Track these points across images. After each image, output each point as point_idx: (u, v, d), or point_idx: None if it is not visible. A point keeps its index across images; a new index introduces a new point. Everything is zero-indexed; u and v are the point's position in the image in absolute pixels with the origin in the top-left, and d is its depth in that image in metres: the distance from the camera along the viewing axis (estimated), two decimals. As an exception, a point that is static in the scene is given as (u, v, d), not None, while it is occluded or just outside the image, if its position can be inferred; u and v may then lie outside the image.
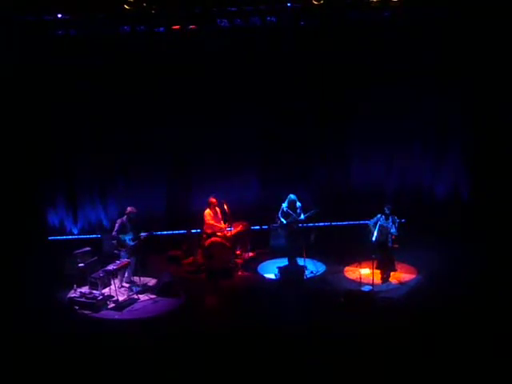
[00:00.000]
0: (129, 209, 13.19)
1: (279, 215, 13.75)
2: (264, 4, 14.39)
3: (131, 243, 13.01)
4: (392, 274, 13.15)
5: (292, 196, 13.69)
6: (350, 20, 14.85)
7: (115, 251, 13.16)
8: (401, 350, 10.11)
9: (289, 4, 14.38)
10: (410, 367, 9.65)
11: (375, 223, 12.94)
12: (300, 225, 13.73)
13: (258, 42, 15.17)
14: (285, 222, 13.69)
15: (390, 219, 12.92)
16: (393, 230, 12.84)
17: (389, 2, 13.94)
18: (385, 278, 13.03)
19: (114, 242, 13.09)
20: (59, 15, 14.18)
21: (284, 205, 13.69)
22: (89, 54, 14.90)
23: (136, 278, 13.17)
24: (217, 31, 14.74)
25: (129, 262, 13.00)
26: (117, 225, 13.08)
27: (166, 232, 15.99)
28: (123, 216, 13.19)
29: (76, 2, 13.76)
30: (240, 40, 15.08)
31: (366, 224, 13.14)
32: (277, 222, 13.88)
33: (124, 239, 12.97)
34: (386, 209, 12.97)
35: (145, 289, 12.96)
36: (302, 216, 13.62)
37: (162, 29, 14.65)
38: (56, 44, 14.71)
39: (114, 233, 13.06)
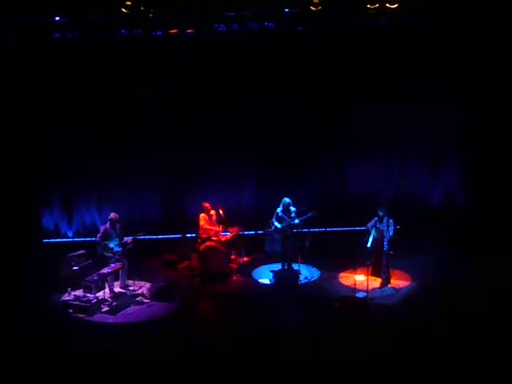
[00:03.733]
0: (111, 215, 13.04)
1: (273, 220, 13.73)
2: (262, 9, 14.43)
3: (118, 249, 12.92)
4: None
5: (286, 199, 13.66)
6: (347, 26, 14.90)
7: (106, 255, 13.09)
8: (394, 357, 10.12)
9: (286, 9, 14.41)
10: (403, 374, 9.65)
11: (372, 226, 12.93)
12: (294, 230, 13.73)
13: (255, 47, 15.20)
14: (279, 226, 13.67)
15: (385, 221, 12.89)
16: (390, 234, 12.79)
17: (386, 9, 13.97)
18: (383, 283, 13.01)
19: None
20: (57, 18, 14.20)
21: (278, 209, 13.67)
22: (86, 57, 14.95)
23: (130, 282, 13.14)
24: (214, 36, 14.77)
25: (123, 266, 12.96)
26: (100, 231, 12.99)
27: (161, 236, 15.95)
28: (106, 222, 13.10)
29: (74, 5, 13.77)
30: (237, 45, 15.10)
31: (367, 229, 13.10)
32: (271, 227, 13.87)
33: (110, 245, 12.87)
34: (379, 211, 12.94)
35: (139, 293, 12.91)
36: (297, 220, 13.61)
37: (159, 33, 14.68)
38: (53, 47, 14.74)
39: (97, 238, 12.99)
